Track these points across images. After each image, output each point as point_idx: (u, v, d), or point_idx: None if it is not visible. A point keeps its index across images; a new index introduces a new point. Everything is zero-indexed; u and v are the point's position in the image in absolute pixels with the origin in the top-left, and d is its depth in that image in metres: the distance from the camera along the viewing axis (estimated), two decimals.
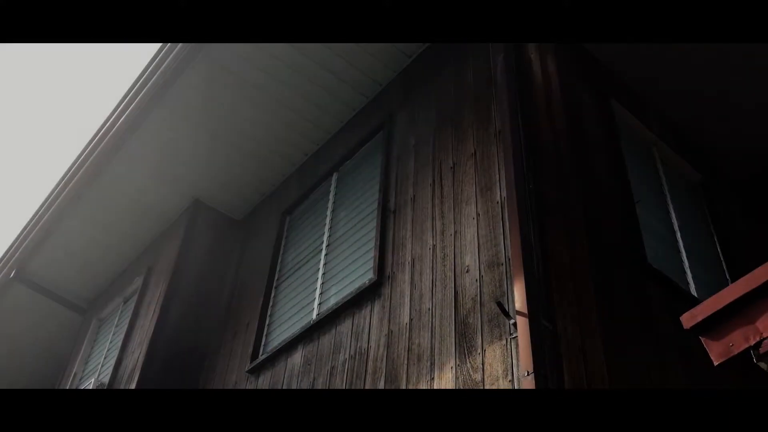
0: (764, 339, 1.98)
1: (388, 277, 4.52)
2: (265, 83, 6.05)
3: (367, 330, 4.43)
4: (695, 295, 4.55)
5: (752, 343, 1.99)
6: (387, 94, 5.88)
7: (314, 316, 5.07)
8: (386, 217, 4.89)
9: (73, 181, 7.09)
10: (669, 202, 5.16)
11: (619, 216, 4.45)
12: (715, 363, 2.08)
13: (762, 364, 2.00)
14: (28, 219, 7.82)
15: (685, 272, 4.74)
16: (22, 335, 8.78)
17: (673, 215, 5.07)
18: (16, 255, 7.98)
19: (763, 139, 6.12)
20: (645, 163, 5.31)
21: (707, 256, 5.20)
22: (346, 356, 4.46)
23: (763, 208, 6.17)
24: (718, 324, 2.09)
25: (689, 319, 2.16)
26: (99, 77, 24.34)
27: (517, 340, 3.28)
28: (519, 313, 3.32)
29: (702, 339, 2.13)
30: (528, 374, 3.09)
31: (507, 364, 3.31)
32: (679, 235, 4.95)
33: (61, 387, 7.55)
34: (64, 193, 7.24)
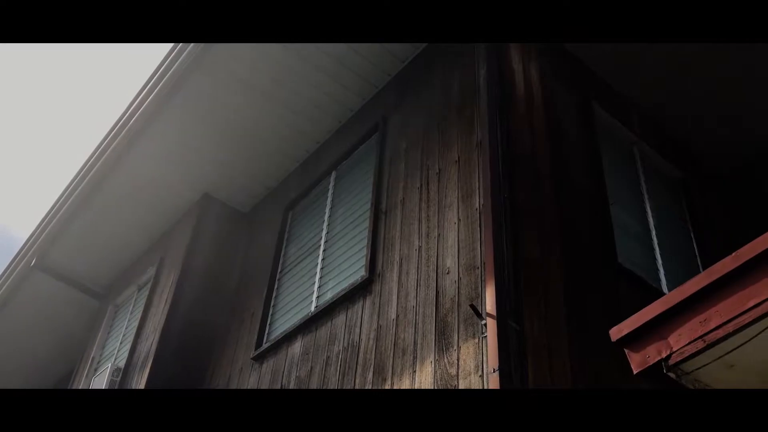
0: (673, 353, 2.31)
1: (379, 275, 4.87)
2: (268, 86, 6.38)
3: (359, 324, 4.80)
4: (666, 292, 4.86)
5: (663, 356, 2.33)
6: (382, 97, 6.19)
7: (312, 308, 5.44)
8: (378, 217, 5.23)
9: (90, 175, 7.48)
10: (646, 200, 5.45)
11: (594, 218, 4.76)
12: (635, 372, 2.42)
13: (671, 374, 2.33)
14: (47, 210, 8.25)
15: (657, 269, 5.05)
16: (42, 321, 9.27)
17: (649, 214, 5.37)
18: (37, 244, 8.41)
19: (744, 134, 6.36)
20: (624, 163, 5.61)
21: (683, 253, 5.51)
22: (340, 348, 4.84)
23: (743, 202, 6.44)
24: (638, 338, 2.43)
25: (616, 333, 2.50)
26: (116, 77, 24.86)
27: (487, 339, 3.63)
28: (489, 314, 3.66)
29: (626, 351, 2.47)
30: (494, 371, 3.44)
31: (478, 361, 3.66)
32: (654, 233, 5.26)
33: (80, 371, 8.00)
34: (82, 185, 7.63)
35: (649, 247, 5.17)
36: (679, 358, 2.30)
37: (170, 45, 6.40)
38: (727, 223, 6.17)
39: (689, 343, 2.28)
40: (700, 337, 2.26)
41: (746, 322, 2.19)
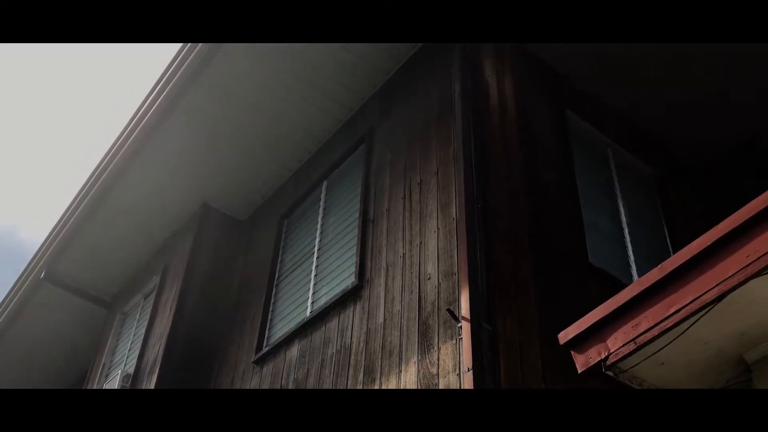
0: (611, 354, 2.64)
1: (367, 281, 5.20)
2: (261, 101, 6.72)
3: (350, 328, 5.13)
4: None
5: (602, 356, 2.65)
6: (368, 109, 6.51)
7: (308, 313, 5.77)
8: (366, 226, 5.55)
9: (94, 189, 7.83)
10: (619, 200, 5.76)
11: (566, 220, 5.08)
12: (579, 371, 2.75)
13: (609, 372, 2.66)
14: (54, 224, 8.61)
15: (629, 266, 5.37)
16: (52, 330, 9.66)
17: (622, 213, 5.68)
18: (45, 257, 8.76)
19: (716, 130, 6.64)
20: (597, 165, 5.91)
21: (656, 249, 5.82)
22: (334, 350, 5.17)
23: (718, 197, 6.74)
24: (581, 341, 2.75)
25: (563, 336, 2.83)
26: (120, 87, 25.38)
27: (462, 340, 3.96)
28: (464, 317, 3.99)
29: (571, 352, 2.79)
30: (468, 370, 3.77)
31: (456, 361, 3.99)
32: (627, 231, 5.57)
33: (92, 377, 8.37)
34: (86, 199, 7.97)
35: (622, 245, 5.48)
36: (615, 359, 2.63)
37: (167, 62, 6.74)
38: (701, 219, 6.47)
39: (624, 345, 2.60)
40: (633, 339, 2.58)
41: (670, 325, 2.51)
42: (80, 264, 8.79)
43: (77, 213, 8.17)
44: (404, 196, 5.29)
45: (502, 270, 4.34)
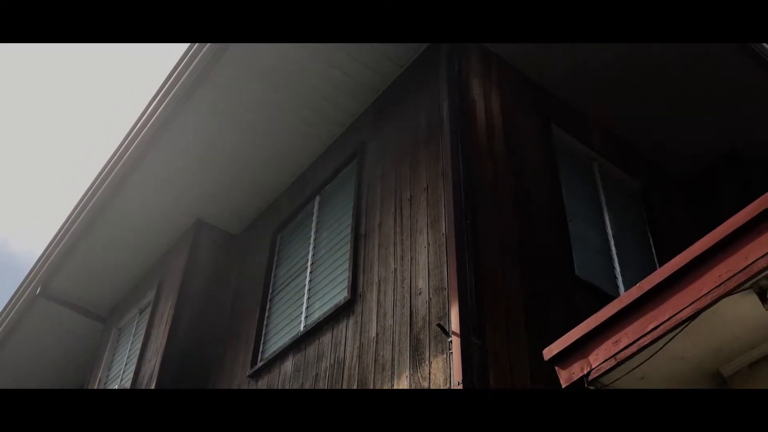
0: (592, 369, 2.75)
1: (360, 295, 5.30)
2: (253, 118, 6.83)
3: (343, 342, 5.23)
4: None
5: (585, 372, 2.76)
6: (359, 125, 6.62)
7: (301, 328, 5.87)
8: (358, 240, 5.66)
9: (89, 206, 7.92)
10: (605, 213, 5.89)
11: (553, 235, 5.20)
12: (563, 386, 2.86)
13: (591, 387, 2.77)
14: (49, 241, 8.68)
15: (616, 278, 5.49)
16: (49, 345, 9.72)
17: (608, 226, 5.81)
18: (41, 273, 8.84)
19: (701, 141, 6.78)
20: (583, 179, 6.04)
21: (643, 260, 5.94)
22: (327, 365, 5.27)
23: (703, 207, 6.87)
24: (564, 357, 2.86)
25: (547, 353, 2.94)
26: (117, 102, 25.56)
27: (452, 355, 4.06)
28: (453, 332, 4.10)
29: (555, 368, 2.90)
30: (459, 384, 3.87)
31: (446, 375, 4.10)
32: (612, 243, 5.69)
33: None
34: (81, 216, 8.05)
35: (608, 258, 5.60)
36: (597, 374, 2.74)
37: (161, 81, 6.84)
38: (687, 229, 6.60)
39: (605, 361, 2.72)
40: (613, 355, 2.69)
41: (649, 341, 2.62)
42: (75, 280, 8.86)
43: (72, 230, 8.25)
44: (395, 211, 5.40)
45: (491, 285, 4.46)
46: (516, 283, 4.62)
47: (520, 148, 5.53)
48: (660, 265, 5.88)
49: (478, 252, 4.53)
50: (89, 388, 8.51)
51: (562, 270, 5.03)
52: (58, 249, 8.50)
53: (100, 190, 7.70)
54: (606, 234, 5.76)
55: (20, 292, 9.22)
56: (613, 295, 5.25)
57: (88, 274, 8.77)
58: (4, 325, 9.52)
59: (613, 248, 5.67)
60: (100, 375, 8.43)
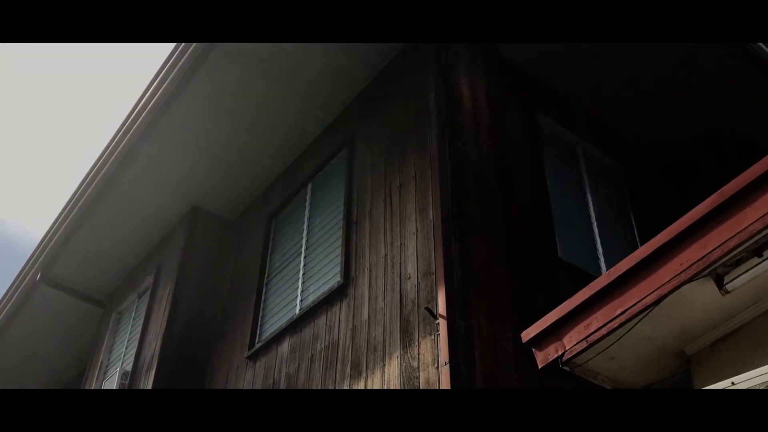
0: (566, 351, 2.97)
1: (352, 279, 5.51)
2: (246, 106, 7.00)
3: (337, 324, 5.45)
4: None
5: (559, 353, 2.98)
6: (349, 113, 6.79)
7: (297, 311, 6.09)
8: (350, 227, 5.85)
9: (87, 194, 8.09)
10: (588, 196, 6.10)
11: (536, 219, 5.41)
12: (540, 366, 3.08)
13: (566, 368, 2.99)
14: (48, 227, 8.86)
15: (598, 259, 5.71)
16: (50, 329, 9.95)
17: (591, 209, 6.02)
18: (41, 260, 9.03)
19: (683, 124, 6.97)
20: (567, 163, 6.24)
21: (625, 242, 6.16)
22: (322, 346, 5.49)
23: (686, 189, 7.09)
24: (541, 340, 3.08)
25: (525, 335, 3.16)
26: (112, 92, 25.71)
27: (440, 336, 4.28)
28: (441, 315, 4.32)
29: (533, 349, 3.12)
30: (446, 364, 4.10)
31: (434, 355, 4.32)
32: (595, 225, 5.91)
33: (90, 375, 8.67)
34: (80, 203, 8.23)
35: (591, 240, 5.82)
36: (570, 355, 2.96)
37: (154, 72, 6.99)
38: (669, 211, 6.81)
39: (577, 343, 2.94)
40: (585, 338, 2.91)
41: (617, 325, 2.84)
42: (75, 265, 9.06)
43: (71, 217, 8.43)
44: (385, 199, 5.59)
45: (477, 269, 4.67)
46: (501, 268, 4.84)
47: (505, 135, 5.72)
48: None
49: (464, 238, 4.74)
50: (91, 371, 8.73)
51: (546, 253, 5.24)
52: (57, 236, 8.68)
53: (98, 178, 7.88)
54: (589, 217, 5.97)
55: (20, 278, 9.41)
56: (596, 276, 5.47)
57: (87, 260, 8.96)
58: (5, 311, 9.73)
59: (596, 230, 5.88)
60: (101, 358, 8.65)
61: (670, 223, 2.82)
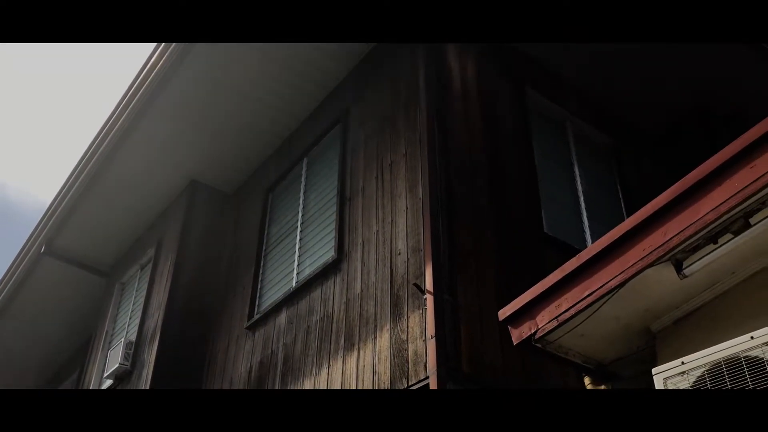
0: (539, 329, 3.17)
1: (346, 254, 5.71)
2: (242, 83, 7.15)
3: (331, 297, 5.66)
4: None
5: (532, 331, 3.18)
6: (343, 89, 6.92)
7: (294, 284, 6.30)
8: (343, 203, 6.03)
9: (88, 167, 8.27)
10: (576, 170, 6.25)
11: (523, 195, 5.57)
12: (515, 343, 3.28)
13: (538, 345, 3.20)
14: (50, 201, 9.07)
15: (584, 232, 5.89)
16: (54, 300, 10.23)
17: (578, 182, 6.18)
18: (45, 232, 9.24)
19: (670, 99, 7.09)
20: (556, 139, 6.39)
21: (612, 216, 6.33)
22: (317, 318, 5.71)
23: (673, 163, 7.23)
24: (516, 318, 3.28)
25: (502, 314, 3.36)
26: (111, 71, 25.79)
27: (427, 310, 4.49)
28: (428, 290, 4.52)
29: (508, 327, 3.32)
30: (432, 337, 4.31)
31: (422, 328, 4.53)
32: (582, 199, 6.07)
33: (95, 344, 8.94)
34: (81, 177, 8.41)
35: (578, 213, 5.99)
36: (542, 333, 3.16)
37: (151, 49, 7.11)
38: (656, 184, 6.96)
39: (549, 321, 3.13)
40: (556, 317, 3.10)
41: (585, 305, 3.03)
42: (78, 238, 9.28)
43: (73, 190, 8.61)
44: (377, 176, 5.75)
45: (463, 246, 4.86)
46: (487, 244, 5.02)
47: (494, 112, 5.86)
48: None
49: (451, 215, 4.91)
50: (96, 340, 9.00)
51: (532, 228, 5.42)
52: (60, 209, 8.88)
53: (99, 152, 8.04)
54: (576, 190, 6.13)
55: (25, 250, 9.64)
56: (581, 250, 5.66)
57: (90, 232, 9.18)
58: (11, 283, 9.98)
59: (583, 204, 6.05)
60: (106, 328, 8.92)
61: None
